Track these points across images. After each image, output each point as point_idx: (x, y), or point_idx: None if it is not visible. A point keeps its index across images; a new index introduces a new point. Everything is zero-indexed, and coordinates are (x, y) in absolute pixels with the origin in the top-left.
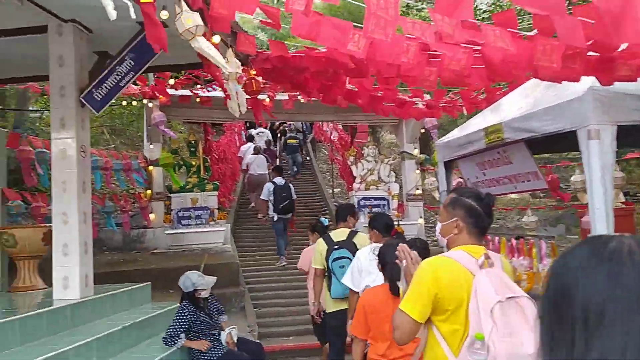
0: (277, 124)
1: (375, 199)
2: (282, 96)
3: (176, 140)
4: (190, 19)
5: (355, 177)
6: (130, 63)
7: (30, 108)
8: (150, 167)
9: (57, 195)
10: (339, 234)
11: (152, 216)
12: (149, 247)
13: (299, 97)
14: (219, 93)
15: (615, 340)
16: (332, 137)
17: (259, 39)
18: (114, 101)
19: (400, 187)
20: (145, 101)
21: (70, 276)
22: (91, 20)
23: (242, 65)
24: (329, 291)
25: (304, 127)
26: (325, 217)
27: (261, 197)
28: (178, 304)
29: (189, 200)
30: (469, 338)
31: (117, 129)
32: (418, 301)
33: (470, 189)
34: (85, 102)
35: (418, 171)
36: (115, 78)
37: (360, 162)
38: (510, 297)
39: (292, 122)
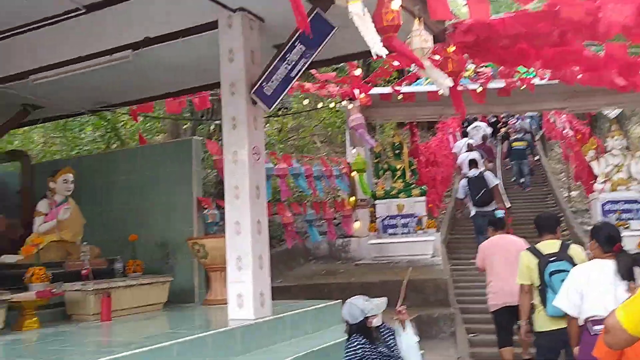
0: (501, 122)
1: (626, 201)
2: (496, 84)
3: (379, 144)
4: None
5: (596, 177)
6: (301, 49)
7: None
8: (354, 173)
9: (230, 202)
10: (549, 246)
11: (356, 224)
12: (355, 257)
13: (518, 84)
14: (423, 87)
15: None
16: (564, 132)
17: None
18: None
19: None
20: (344, 103)
21: (245, 294)
22: (261, 7)
23: (438, 41)
24: (544, 307)
25: (531, 125)
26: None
27: (456, 196)
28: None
29: (394, 207)
30: None
31: (328, 137)
32: None
33: None
34: (256, 98)
35: None
36: (285, 68)
37: (603, 158)
38: None
39: (517, 121)
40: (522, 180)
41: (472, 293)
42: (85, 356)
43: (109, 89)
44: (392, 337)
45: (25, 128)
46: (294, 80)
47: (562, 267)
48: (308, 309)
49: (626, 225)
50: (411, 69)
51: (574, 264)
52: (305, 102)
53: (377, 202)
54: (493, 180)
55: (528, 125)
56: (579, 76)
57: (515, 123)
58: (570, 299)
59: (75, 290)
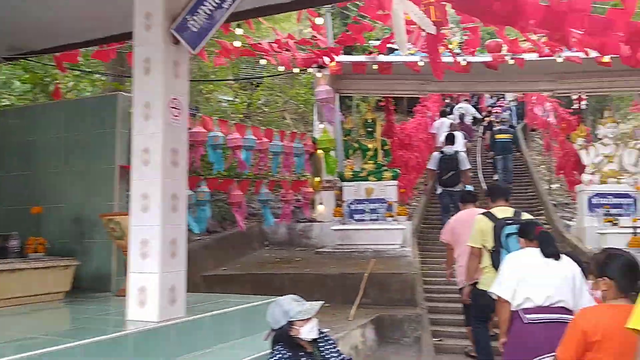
0: (484, 110)
1: (616, 195)
2: (481, 58)
3: (351, 120)
4: None
5: (584, 167)
6: None
7: None
8: (320, 151)
9: (137, 170)
10: (503, 211)
11: (320, 208)
12: (316, 244)
13: (507, 58)
14: (401, 57)
15: None
16: (549, 119)
17: None
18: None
19: None
20: (311, 71)
21: (149, 288)
22: None
23: None
24: (495, 269)
25: (511, 118)
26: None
27: (428, 165)
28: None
29: (363, 190)
30: None
31: (300, 114)
32: None
33: None
34: (178, 36)
35: None
36: None
37: (593, 147)
38: None
39: (503, 111)
40: (504, 177)
41: (443, 289)
42: None
43: (20, 31)
44: (334, 354)
45: None
46: (229, 11)
47: (517, 230)
48: (236, 307)
49: (614, 222)
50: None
51: None
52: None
53: (344, 184)
54: (465, 163)
55: (508, 116)
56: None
57: (500, 113)
58: (506, 283)
59: None
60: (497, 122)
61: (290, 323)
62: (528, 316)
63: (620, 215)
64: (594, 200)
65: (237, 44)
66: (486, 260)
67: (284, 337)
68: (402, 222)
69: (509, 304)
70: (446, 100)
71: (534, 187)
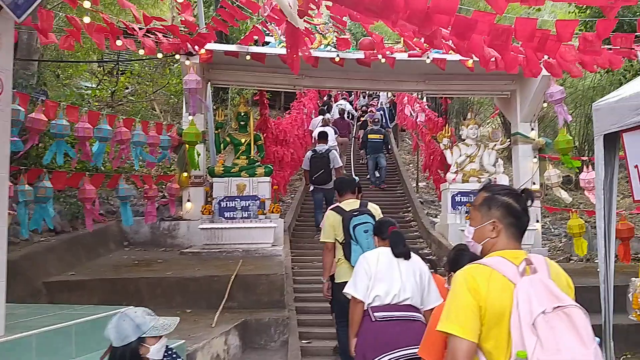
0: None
1: (476, 194)
2: (355, 55)
3: (223, 112)
4: None
5: (449, 166)
6: None
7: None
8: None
9: None
10: (350, 204)
11: (188, 205)
12: (183, 244)
13: (380, 57)
14: (276, 50)
15: None
16: (417, 120)
17: None
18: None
19: (511, 180)
20: (178, 57)
21: None
22: None
23: None
24: (348, 260)
25: (384, 117)
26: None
27: (302, 165)
28: None
29: (234, 186)
30: (512, 357)
31: (172, 105)
32: (464, 318)
33: (502, 185)
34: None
35: (536, 160)
36: None
37: (457, 147)
38: (557, 307)
39: (371, 109)
40: (377, 175)
41: (314, 289)
42: None
43: None
44: None
45: None
46: None
47: (364, 220)
48: (75, 321)
49: None
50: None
51: (374, 217)
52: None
53: (214, 180)
54: (337, 161)
55: (380, 117)
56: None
57: (374, 113)
58: (360, 284)
59: None
60: (371, 122)
61: (141, 340)
62: (376, 314)
63: None
64: (457, 198)
65: (87, 20)
66: (339, 253)
67: (128, 356)
68: (274, 220)
69: (363, 304)
70: (324, 98)
71: (403, 186)
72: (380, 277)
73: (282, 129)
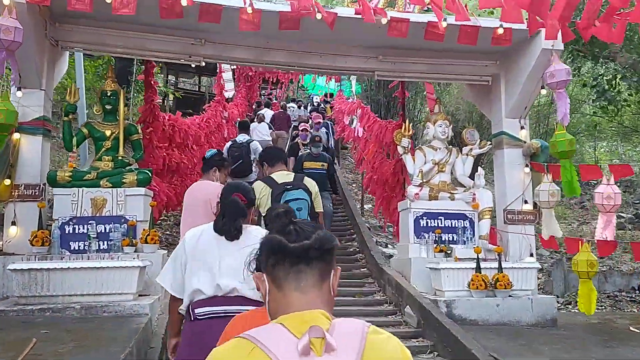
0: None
1: (448, 216)
2: (277, 6)
3: (75, 90)
4: None
5: (409, 177)
6: None
7: None
8: (16, 136)
9: None
10: (283, 176)
11: (12, 230)
12: None
13: (315, 10)
14: None
15: None
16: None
17: None
18: None
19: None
20: None
21: None
22: None
23: None
24: None
25: (328, 138)
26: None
27: None
28: None
29: (88, 201)
30: None
31: None
32: None
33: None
34: None
35: (528, 169)
36: None
37: (421, 150)
38: None
39: (314, 127)
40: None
41: None
42: None
43: None
44: None
45: None
46: None
47: (298, 196)
48: None
49: (448, 252)
50: None
51: (310, 193)
52: None
53: (55, 191)
54: (255, 152)
55: (325, 135)
56: None
57: (307, 131)
58: (175, 274)
59: None
60: (305, 144)
61: None
62: (197, 310)
63: (454, 242)
64: (422, 222)
65: None
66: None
67: None
68: (147, 255)
69: (179, 300)
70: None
71: (345, 207)
72: (200, 261)
73: (182, 129)
